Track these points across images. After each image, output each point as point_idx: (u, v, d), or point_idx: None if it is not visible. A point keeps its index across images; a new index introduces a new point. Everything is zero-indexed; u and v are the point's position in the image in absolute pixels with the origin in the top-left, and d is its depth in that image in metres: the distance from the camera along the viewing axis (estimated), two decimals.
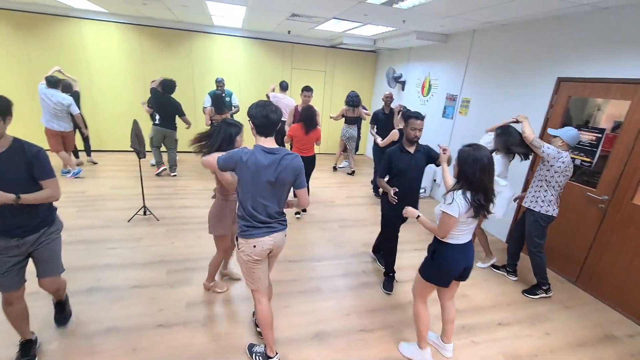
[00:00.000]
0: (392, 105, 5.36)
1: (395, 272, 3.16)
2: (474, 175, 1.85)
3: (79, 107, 5.32)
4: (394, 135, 3.99)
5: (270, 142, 1.90)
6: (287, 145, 4.45)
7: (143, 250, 3.39)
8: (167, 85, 5.25)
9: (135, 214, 4.07)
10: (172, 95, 5.37)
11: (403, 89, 6.81)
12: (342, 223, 4.46)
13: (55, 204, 2.03)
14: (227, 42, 6.85)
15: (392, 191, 2.72)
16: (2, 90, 5.88)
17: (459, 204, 1.87)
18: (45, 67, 5.72)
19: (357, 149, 6.96)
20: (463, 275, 2.13)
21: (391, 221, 3.02)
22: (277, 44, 7.13)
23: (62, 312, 2.36)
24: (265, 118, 1.84)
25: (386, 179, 2.94)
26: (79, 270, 2.98)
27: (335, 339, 2.46)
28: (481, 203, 1.88)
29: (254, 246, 1.93)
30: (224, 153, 1.96)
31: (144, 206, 4.09)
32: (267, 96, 5.76)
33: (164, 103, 5.31)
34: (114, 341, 2.26)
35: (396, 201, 2.72)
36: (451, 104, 5.32)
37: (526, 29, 3.95)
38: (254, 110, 1.87)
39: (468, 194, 1.88)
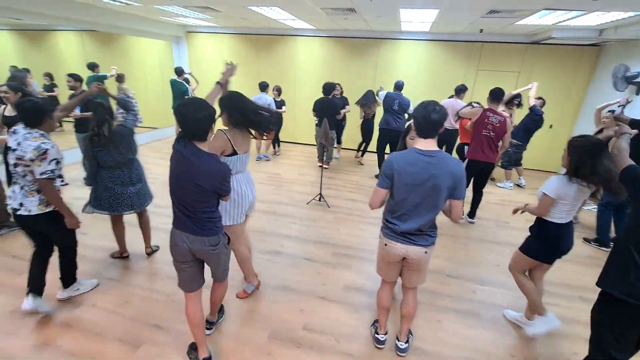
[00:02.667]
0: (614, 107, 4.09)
1: None
2: (580, 160, 1.92)
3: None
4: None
5: (428, 144, 1.80)
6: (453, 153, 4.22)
7: (315, 230, 3.96)
8: (326, 87, 5.76)
9: (313, 198, 4.77)
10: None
11: (638, 93, 5.07)
12: (516, 249, 3.79)
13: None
14: (410, 47, 6.95)
15: None
16: None
17: (562, 189, 2.03)
18: (268, 78, 7.41)
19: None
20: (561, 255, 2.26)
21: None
22: (463, 44, 6.67)
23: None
24: (424, 119, 1.77)
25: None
26: (269, 235, 3.78)
27: None
28: (587, 175, 1.91)
29: (385, 244, 1.99)
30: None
31: (320, 193, 4.74)
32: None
33: (323, 103, 5.74)
34: (287, 298, 2.77)
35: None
36: None
37: None
38: (416, 110, 1.83)
39: (574, 179, 1.99)
